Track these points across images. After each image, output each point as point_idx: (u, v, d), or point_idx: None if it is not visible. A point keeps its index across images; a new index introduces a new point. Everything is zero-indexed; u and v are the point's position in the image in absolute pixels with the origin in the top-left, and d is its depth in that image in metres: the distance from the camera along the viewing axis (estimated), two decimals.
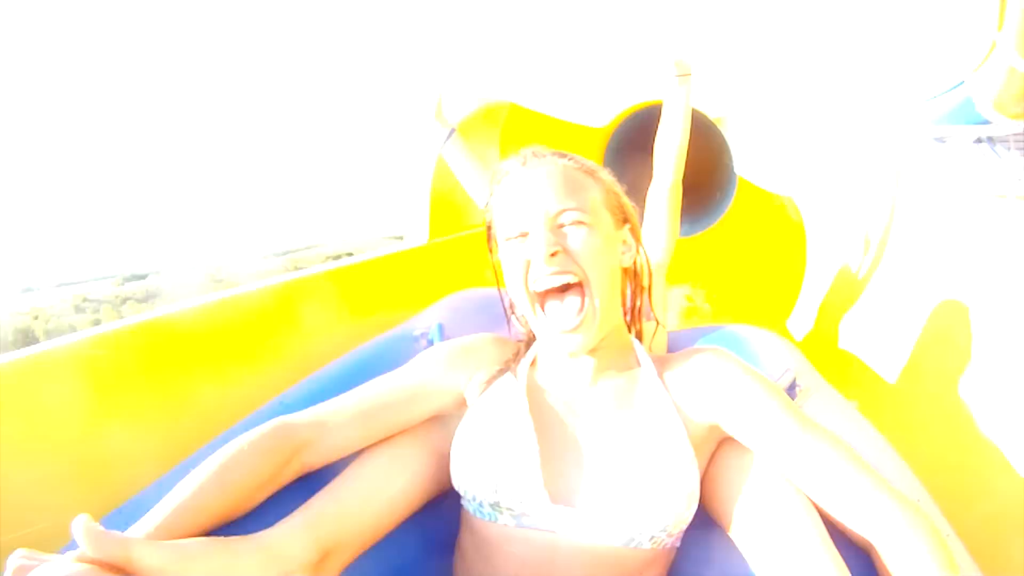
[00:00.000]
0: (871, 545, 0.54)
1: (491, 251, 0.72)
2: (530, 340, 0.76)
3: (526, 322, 0.75)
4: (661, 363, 0.69)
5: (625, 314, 0.75)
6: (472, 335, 0.77)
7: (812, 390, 0.93)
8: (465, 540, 0.66)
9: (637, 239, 0.72)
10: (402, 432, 0.69)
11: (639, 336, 0.77)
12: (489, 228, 0.71)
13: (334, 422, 0.65)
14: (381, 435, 0.68)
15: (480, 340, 0.76)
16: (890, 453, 0.79)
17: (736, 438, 0.63)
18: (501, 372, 0.70)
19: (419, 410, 0.70)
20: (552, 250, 0.60)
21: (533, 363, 0.72)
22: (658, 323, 1.12)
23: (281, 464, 0.61)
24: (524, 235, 0.63)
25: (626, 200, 0.72)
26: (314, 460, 0.64)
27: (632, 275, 0.74)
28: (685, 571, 0.65)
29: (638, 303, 0.76)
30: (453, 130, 1.39)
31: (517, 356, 0.73)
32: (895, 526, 0.53)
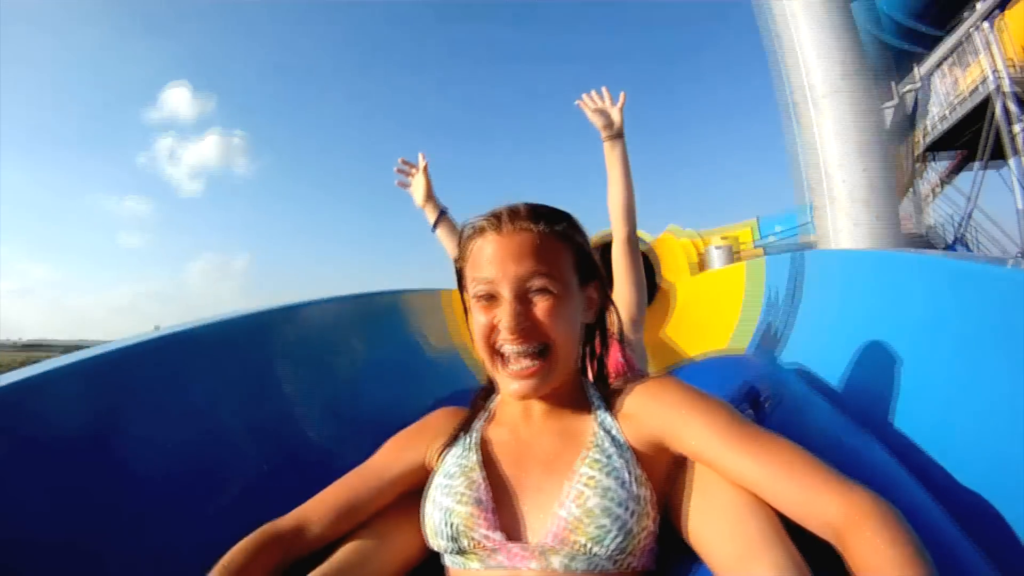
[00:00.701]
0: (836, 541, 0.53)
1: (461, 292, 0.74)
2: (488, 394, 0.81)
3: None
4: (611, 394, 0.73)
5: (593, 363, 0.79)
6: (429, 414, 0.82)
7: (783, 398, 0.98)
8: None
9: (601, 294, 0.75)
10: (386, 509, 0.74)
11: (606, 378, 0.79)
12: (460, 273, 0.73)
13: (314, 521, 0.70)
14: (360, 522, 0.72)
15: (432, 415, 0.81)
16: (876, 450, 0.80)
17: (684, 452, 0.65)
18: (455, 437, 0.75)
19: (390, 493, 0.74)
20: (521, 324, 0.64)
21: (491, 419, 0.76)
22: (637, 369, 1.19)
23: (273, 568, 0.66)
24: (492, 299, 0.66)
25: (595, 259, 0.74)
26: (303, 557, 0.69)
27: (598, 328, 0.77)
28: None
29: (603, 351, 0.78)
30: (444, 211, 1.53)
31: (470, 419, 0.77)
32: (852, 517, 0.51)
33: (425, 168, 1.54)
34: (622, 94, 1.37)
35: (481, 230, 0.69)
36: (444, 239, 1.52)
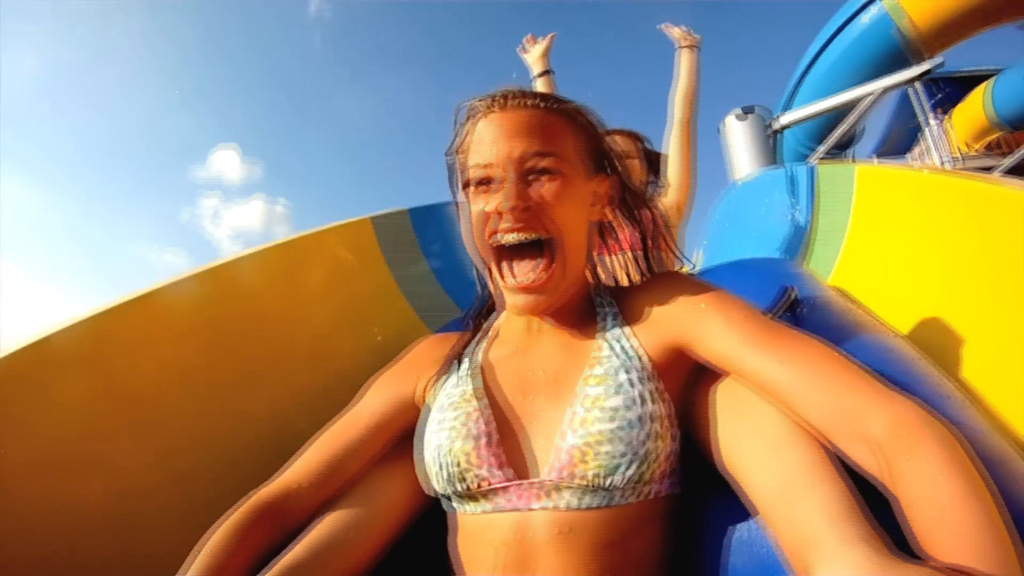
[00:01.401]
0: (878, 461, 0.44)
1: (454, 194, 0.66)
2: (489, 312, 0.73)
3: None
4: (621, 297, 0.66)
5: (637, 263, 0.72)
6: (412, 345, 0.74)
7: (818, 300, 0.87)
8: (452, 542, 0.61)
9: (613, 190, 0.67)
10: (376, 461, 0.66)
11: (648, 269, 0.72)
12: (454, 170, 0.65)
13: (304, 485, 0.62)
14: (354, 477, 0.64)
15: (417, 347, 0.72)
16: (925, 368, 0.68)
17: (702, 356, 0.57)
18: (448, 365, 0.66)
19: (380, 440, 0.66)
20: (521, 204, 0.56)
21: (490, 340, 0.68)
22: (673, 261, 1.21)
23: (265, 542, 0.58)
24: (491, 183, 0.58)
25: (609, 146, 0.67)
26: (296, 524, 0.61)
27: (634, 220, 0.70)
28: (695, 519, 0.59)
29: (651, 251, 0.71)
30: (551, 71, 1.63)
31: (465, 343, 0.69)
32: (901, 433, 0.43)
33: (551, 39, 1.68)
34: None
35: (478, 112, 0.61)
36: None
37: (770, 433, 0.51)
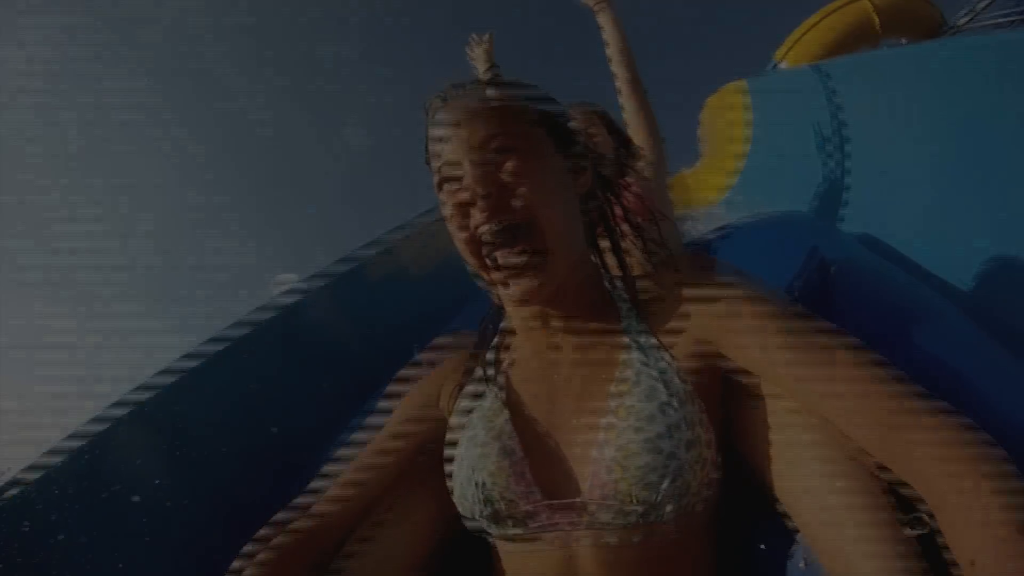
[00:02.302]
0: (925, 494, 0.40)
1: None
2: (499, 317, 0.68)
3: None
4: (638, 288, 0.61)
5: (606, 241, 0.66)
6: (430, 347, 0.70)
7: (850, 263, 0.83)
8: (492, 570, 0.57)
9: (590, 159, 0.63)
10: (401, 480, 0.61)
11: (626, 268, 0.66)
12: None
13: (335, 513, 0.57)
14: (380, 497, 0.60)
15: (436, 348, 0.68)
16: (977, 334, 0.63)
17: (733, 362, 0.52)
18: (467, 374, 0.62)
19: (412, 458, 0.61)
20: (488, 187, 0.52)
21: (505, 344, 0.64)
22: (665, 218, 1.21)
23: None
24: (456, 176, 0.55)
25: (567, 118, 0.63)
26: (328, 554, 0.56)
27: (603, 196, 0.65)
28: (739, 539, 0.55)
29: (621, 227, 0.66)
30: (495, 65, 1.61)
31: (483, 349, 0.64)
32: (943, 463, 0.38)
33: (491, 37, 1.68)
34: None
35: (430, 111, 0.59)
36: None
37: (818, 456, 0.47)
